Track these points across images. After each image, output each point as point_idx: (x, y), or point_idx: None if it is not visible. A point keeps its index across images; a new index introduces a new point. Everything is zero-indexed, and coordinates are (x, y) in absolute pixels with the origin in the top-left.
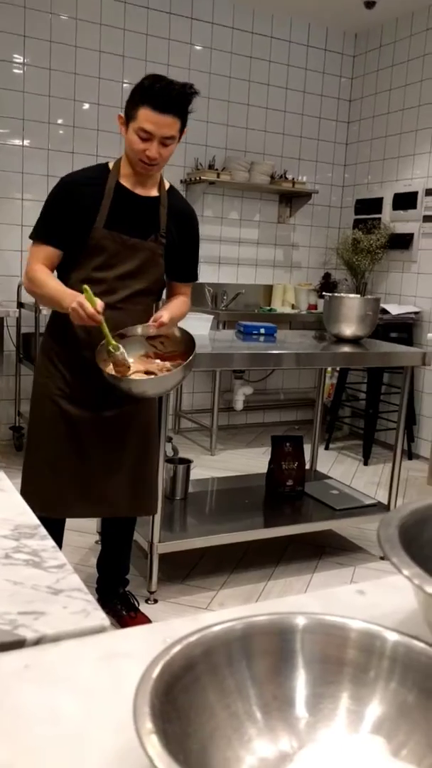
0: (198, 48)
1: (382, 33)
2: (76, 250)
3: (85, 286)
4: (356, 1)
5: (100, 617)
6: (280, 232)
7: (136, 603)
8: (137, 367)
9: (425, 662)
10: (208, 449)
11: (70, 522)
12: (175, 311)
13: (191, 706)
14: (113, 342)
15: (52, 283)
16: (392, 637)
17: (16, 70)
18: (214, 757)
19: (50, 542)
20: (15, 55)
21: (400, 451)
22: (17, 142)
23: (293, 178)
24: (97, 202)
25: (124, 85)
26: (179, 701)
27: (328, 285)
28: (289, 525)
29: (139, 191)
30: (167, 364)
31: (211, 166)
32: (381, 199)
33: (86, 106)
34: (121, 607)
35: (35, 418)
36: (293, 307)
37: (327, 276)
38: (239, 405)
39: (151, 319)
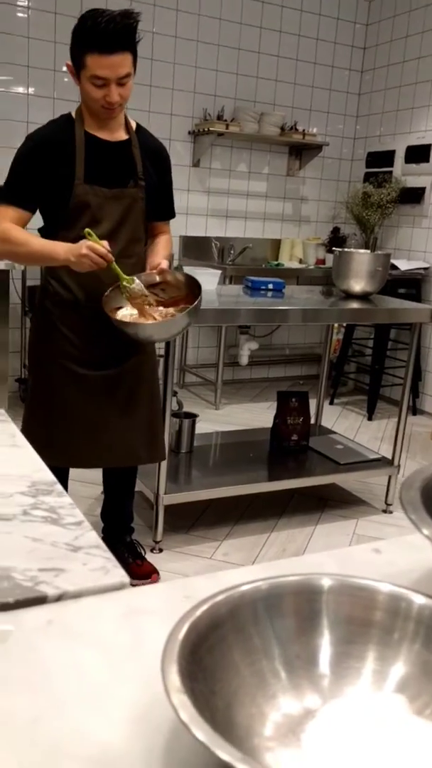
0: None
1: None
2: (59, 212)
3: (88, 230)
4: None
5: (120, 574)
6: (289, 185)
7: (142, 551)
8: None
9: None
10: (213, 404)
11: (74, 472)
12: (166, 254)
13: (217, 664)
14: (126, 277)
15: (36, 239)
16: (418, 600)
17: (20, 14)
18: (239, 714)
19: (67, 499)
20: None
21: (406, 408)
22: (21, 89)
23: (304, 130)
24: (71, 157)
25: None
26: (205, 660)
27: (336, 239)
28: (292, 478)
29: (108, 137)
30: (170, 310)
31: (219, 117)
32: (393, 151)
33: None
34: (127, 555)
35: (39, 380)
36: (301, 261)
37: (336, 230)
38: (244, 360)
39: (149, 267)
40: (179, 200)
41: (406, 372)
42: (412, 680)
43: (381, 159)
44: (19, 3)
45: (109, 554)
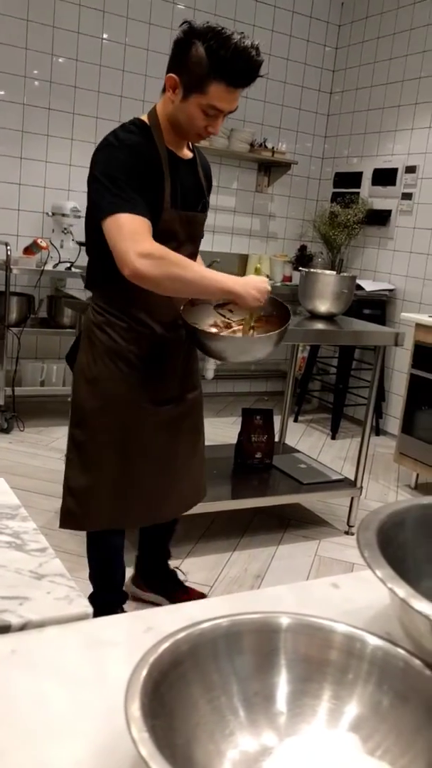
0: (181, 7)
1: (369, 3)
2: None
3: (258, 266)
4: None
5: (84, 604)
6: (258, 201)
7: (185, 579)
8: None
9: (402, 667)
10: None
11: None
12: None
13: (177, 701)
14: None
15: (198, 265)
16: (372, 641)
17: None
18: (198, 751)
19: (31, 524)
20: None
21: (369, 429)
22: None
23: (273, 147)
24: (160, 176)
25: (104, 41)
26: (166, 697)
27: (303, 257)
28: (256, 497)
29: (181, 154)
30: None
31: None
32: (360, 173)
33: (61, 60)
34: (172, 584)
35: (108, 428)
36: (268, 278)
37: (303, 248)
38: (210, 374)
39: None
40: None
41: (369, 393)
42: (365, 720)
43: (348, 180)
44: None
45: (72, 583)
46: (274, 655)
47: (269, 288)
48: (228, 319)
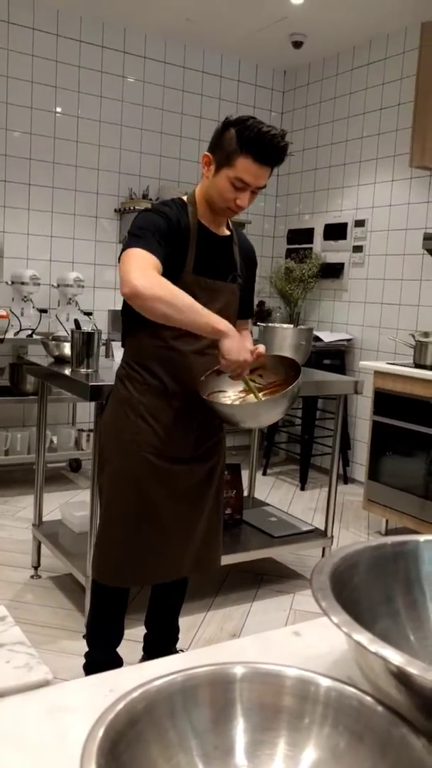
0: (131, 80)
1: (309, 71)
2: None
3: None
4: (284, 40)
5: (44, 671)
6: None
7: None
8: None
9: (356, 707)
10: None
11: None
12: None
13: (135, 761)
14: (259, 395)
15: (193, 300)
16: (325, 683)
17: None
18: None
19: None
20: None
21: (335, 478)
22: None
23: None
24: (185, 245)
25: (57, 115)
26: (124, 758)
27: (262, 313)
28: (228, 554)
29: (216, 230)
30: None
31: (144, 196)
32: (312, 229)
33: (16, 134)
34: None
35: (118, 477)
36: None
37: (261, 304)
38: None
39: None
40: (104, 275)
41: (334, 442)
42: (323, 764)
43: (301, 236)
44: None
45: (32, 650)
46: (231, 706)
47: (260, 349)
48: (258, 383)
